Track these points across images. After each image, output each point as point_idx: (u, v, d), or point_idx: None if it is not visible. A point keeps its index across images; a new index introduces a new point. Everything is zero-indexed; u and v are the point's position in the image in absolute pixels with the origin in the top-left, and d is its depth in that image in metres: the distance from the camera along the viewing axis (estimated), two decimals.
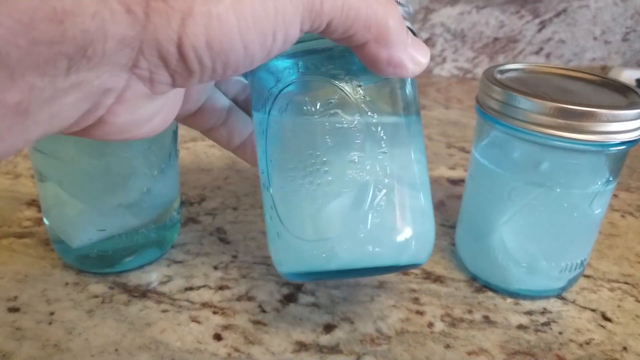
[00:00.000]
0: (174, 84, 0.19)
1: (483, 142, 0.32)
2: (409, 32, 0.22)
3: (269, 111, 0.25)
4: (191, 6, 0.16)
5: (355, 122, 0.24)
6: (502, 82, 0.30)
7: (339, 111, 0.24)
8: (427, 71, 0.82)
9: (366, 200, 0.24)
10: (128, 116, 0.19)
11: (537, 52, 0.80)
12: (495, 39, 0.79)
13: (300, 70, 0.25)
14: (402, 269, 0.27)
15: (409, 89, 0.26)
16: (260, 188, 0.27)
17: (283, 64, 0.25)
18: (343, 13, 0.19)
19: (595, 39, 0.79)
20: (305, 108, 0.24)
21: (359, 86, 0.24)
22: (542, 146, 0.28)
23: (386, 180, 0.24)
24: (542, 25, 0.78)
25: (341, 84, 0.24)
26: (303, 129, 0.24)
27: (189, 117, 0.27)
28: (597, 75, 0.33)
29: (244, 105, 0.30)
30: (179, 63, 0.17)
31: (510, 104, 0.28)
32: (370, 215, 0.24)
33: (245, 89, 0.30)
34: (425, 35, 0.79)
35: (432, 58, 0.80)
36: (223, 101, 0.28)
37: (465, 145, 0.57)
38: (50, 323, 0.30)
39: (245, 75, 0.29)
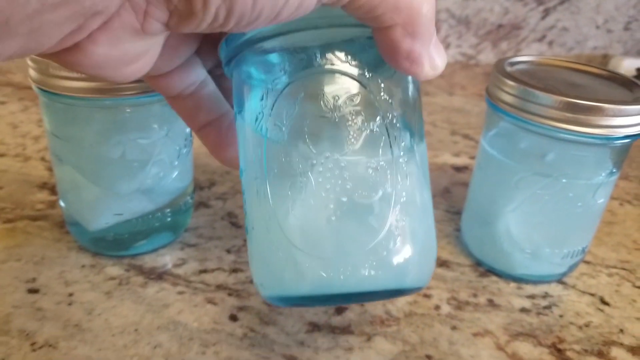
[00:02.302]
0: (168, 25, 0.17)
1: (492, 133, 0.33)
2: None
3: (271, 106, 0.22)
4: None
5: (378, 124, 0.21)
6: (513, 75, 0.31)
7: (361, 110, 0.21)
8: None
9: (389, 216, 0.21)
10: (108, 49, 0.17)
11: (540, 40, 0.81)
12: (499, 26, 0.80)
13: (317, 61, 0.22)
14: (402, 293, 0.24)
15: (418, 96, 0.23)
16: (249, 198, 0.24)
17: (287, 53, 0.22)
18: None
19: (597, 27, 0.79)
20: (322, 105, 0.21)
21: (382, 85, 0.21)
22: (549, 138, 0.29)
23: (404, 193, 0.21)
24: (546, 13, 0.78)
25: (364, 80, 0.21)
26: (319, 129, 0.22)
27: (159, 77, 0.24)
28: (604, 70, 0.34)
29: (220, 83, 0.26)
30: None
31: (521, 96, 0.29)
32: (393, 235, 0.21)
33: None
34: None
35: None
36: (199, 69, 0.25)
37: (469, 132, 0.58)
38: (69, 304, 0.31)
39: (226, 68, 0.25)
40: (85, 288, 0.32)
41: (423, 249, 0.23)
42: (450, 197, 0.45)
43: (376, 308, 0.32)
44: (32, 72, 0.30)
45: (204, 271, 0.34)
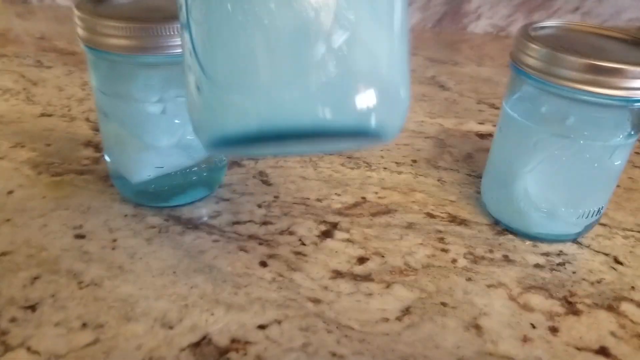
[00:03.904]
0: None
1: (515, 96, 0.34)
2: None
3: None
4: None
5: None
6: (535, 38, 0.32)
7: None
8: (462, 27, 0.82)
9: (324, 41, 0.18)
10: None
11: (573, 11, 0.79)
12: None
13: None
14: (363, 141, 0.21)
15: None
16: (181, 32, 0.21)
17: None
18: None
19: None
20: None
21: None
22: (569, 100, 0.30)
23: (351, 16, 0.18)
24: None
25: None
26: None
27: None
28: (631, 35, 0.34)
29: None
30: None
31: (542, 59, 0.30)
32: (328, 63, 0.18)
33: None
34: None
35: (467, 14, 0.81)
36: None
37: (495, 102, 0.58)
38: (113, 249, 0.34)
39: None
40: (127, 235, 0.35)
41: (382, 86, 0.19)
42: (473, 161, 0.46)
43: (396, 259, 0.34)
44: (79, 31, 0.32)
45: (237, 222, 0.36)
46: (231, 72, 0.19)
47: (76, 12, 0.31)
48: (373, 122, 0.19)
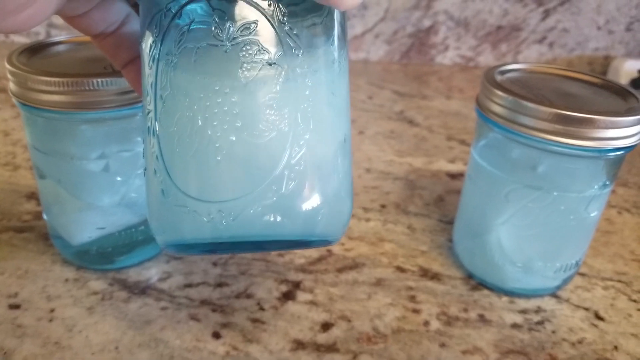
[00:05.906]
0: None
1: (481, 143, 0.32)
2: None
3: (164, 33, 0.21)
4: None
5: (277, 57, 0.20)
6: (502, 84, 0.30)
7: (258, 40, 0.19)
8: (429, 59, 0.81)
9: (282, 158, 0.20)
10: None
11: (540, 41, 0.79)
12: (499, 27, 0.79)
13: None
14: (311, 245, 0.23)
15: (339, 29, 0.22)
16: (143, 135, 0.23)
17: None
18: None
19: (599, 28, 0.78)
20: (213, 31, 0.19)
21: (285, 14, 0.19)
22: (540, 150, 0.29)
23: (307, 136, 0.20)
24: (546, 14, 0.77)
25: (263, 7, 0.19)
26: (208, 58, 0.20)
27: (77, 17, 0.23)
28: (598, 77, 0.33)
29: None
30: None
31: (510, 107, 0.28)
32: (285, 177, 0.20)
33: None
34: (428, 22, 0.78)
35: (434, 46, 0.80)
36: (120, 6, 0.24)
37: (466, 138, 0.57)
38: (50, 320, 0.30)
39: None
40: (67, 303, 0.31)
41: (329, 196, 0.21)
42: (444, 205, 0.44)
43: (363, 324, 0.31)
44: (12, 86, 0.29)
45: (189, 285, 0.33)
46: (198, 184, 0.20)
47: (7, 66, 0.29)
48: (321, 228, 0.21)
